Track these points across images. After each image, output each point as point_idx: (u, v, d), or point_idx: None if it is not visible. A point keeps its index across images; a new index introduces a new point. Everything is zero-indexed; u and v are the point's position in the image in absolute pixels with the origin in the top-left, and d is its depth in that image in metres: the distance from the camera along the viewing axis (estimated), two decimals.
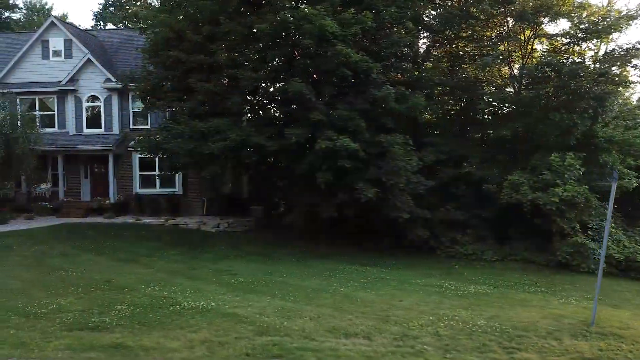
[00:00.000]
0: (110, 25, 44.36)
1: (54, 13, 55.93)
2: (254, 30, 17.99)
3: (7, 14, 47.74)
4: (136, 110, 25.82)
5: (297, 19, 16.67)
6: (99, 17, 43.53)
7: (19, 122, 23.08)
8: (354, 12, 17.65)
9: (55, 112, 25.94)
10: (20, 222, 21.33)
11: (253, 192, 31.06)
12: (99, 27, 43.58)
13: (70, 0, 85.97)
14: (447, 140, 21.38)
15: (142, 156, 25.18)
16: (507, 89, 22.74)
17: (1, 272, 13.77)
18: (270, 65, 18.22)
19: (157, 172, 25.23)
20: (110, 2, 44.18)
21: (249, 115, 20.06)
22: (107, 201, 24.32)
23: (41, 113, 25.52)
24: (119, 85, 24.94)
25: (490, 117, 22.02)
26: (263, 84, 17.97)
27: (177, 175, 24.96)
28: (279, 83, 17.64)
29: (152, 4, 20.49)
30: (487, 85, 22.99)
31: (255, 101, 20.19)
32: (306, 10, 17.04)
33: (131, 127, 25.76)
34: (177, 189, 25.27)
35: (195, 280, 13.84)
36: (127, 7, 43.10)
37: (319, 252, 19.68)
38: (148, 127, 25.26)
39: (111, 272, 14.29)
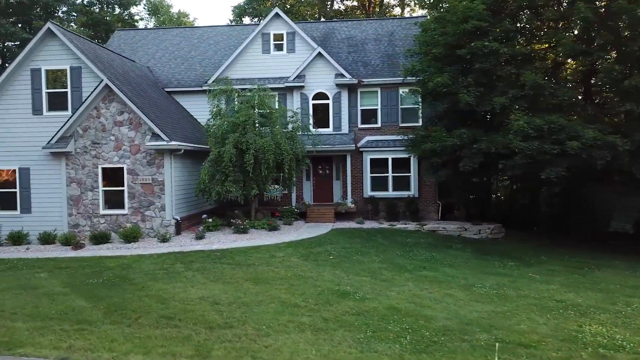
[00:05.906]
0: (247, 20, 42.77)
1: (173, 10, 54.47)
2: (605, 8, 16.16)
3: (128, 11, 46.45)
4: (365, 107, 24.14)
5: None
6: (242, 12, 41.84)
7: (298, 119, 21.67)
8: None
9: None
10: (288, 229, 19.67)
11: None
12: (238, 23, 41.92)
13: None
14: None
15: (375, 157, 23.60)
16: None
17: (430, 294, 12.08)
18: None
19: (390, 173, 23.52)
20: None
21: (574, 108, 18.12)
22: (353, 205, 22.62)
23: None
24: (354, 80, 23.29)
25: None
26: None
27: (412, 178, 23.29)
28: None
29: None
30: None
31: (588, 92, 18.37)
32: None
33: (360, 125, 24.08)
34: (413, 192, 23.48)
35: None
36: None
37: None
38: (378, 125, 23.72)
39: (531, 291, 12.55)
